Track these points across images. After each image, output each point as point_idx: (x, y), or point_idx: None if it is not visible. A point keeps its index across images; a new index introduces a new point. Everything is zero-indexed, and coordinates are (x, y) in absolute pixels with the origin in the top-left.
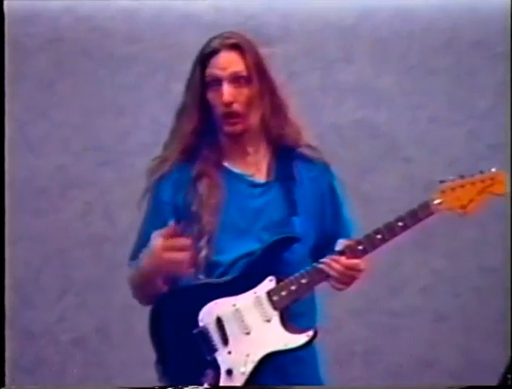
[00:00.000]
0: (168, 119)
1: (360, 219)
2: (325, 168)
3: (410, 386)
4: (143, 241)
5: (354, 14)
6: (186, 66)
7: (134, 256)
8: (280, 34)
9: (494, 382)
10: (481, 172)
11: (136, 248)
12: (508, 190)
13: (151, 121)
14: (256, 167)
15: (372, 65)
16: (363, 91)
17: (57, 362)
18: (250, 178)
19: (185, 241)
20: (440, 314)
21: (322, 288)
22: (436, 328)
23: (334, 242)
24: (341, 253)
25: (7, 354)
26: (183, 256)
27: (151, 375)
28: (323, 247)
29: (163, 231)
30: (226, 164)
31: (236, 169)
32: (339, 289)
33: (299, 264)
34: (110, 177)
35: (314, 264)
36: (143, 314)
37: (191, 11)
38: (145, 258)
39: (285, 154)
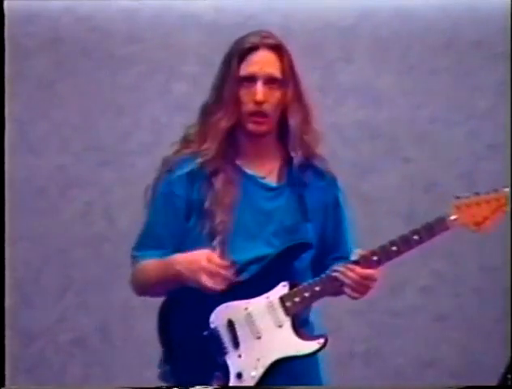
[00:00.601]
0: (168, 119)
1: (360, 219)
2: (333, 181)
3: (410, 386)
4: (151, 232)
5: (354, 14)
6: (186, 66)
7: (141, 247)
8: (280, 34)
9: (494, 382)
10: (496, 190)
11: (142, 239)
12: None
13: (151, 121)
14: (268, 170)
15: (372, 65)
16: (363, 91)
17: (57, 362)
18: (262, 181)
19: (228, 274)
20: (440, 314)
21: None
22: (436, 328)
23: (331, 254)
24: (355, 262)
25: (7, 354)
26: (219, 285)
27: (152, 375)
28: (322, 257)
29: (210, 253)
30: (239, 163)
31: (249, 170)
32: (354, 298)
33: (304, 271)
34: (110, 177)
35: (327, 272)
36: (143, 314)
37: (191, 11)
38: (176, 264)
39: (298, 160)
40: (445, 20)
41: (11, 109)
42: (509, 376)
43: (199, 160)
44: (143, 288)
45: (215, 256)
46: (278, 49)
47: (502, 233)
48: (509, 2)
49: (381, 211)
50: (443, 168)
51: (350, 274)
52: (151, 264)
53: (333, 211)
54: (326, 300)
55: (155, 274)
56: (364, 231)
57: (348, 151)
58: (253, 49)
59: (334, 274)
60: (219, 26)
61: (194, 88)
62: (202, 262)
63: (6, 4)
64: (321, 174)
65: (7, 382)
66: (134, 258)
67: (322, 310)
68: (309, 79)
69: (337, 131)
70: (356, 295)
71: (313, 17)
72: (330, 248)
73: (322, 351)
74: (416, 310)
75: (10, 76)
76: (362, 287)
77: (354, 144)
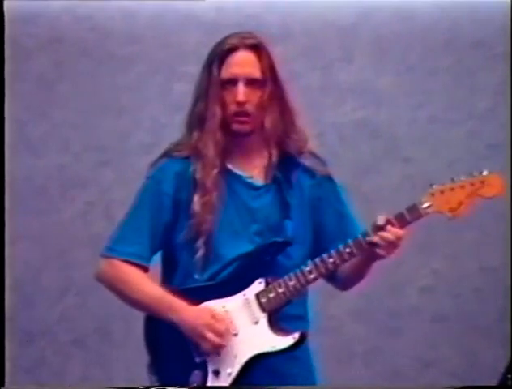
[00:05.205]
0: (168, 119)
1: (360, 219)
2: (325, 178)
3: (410, 386)
4: (132, 225)
5: (354, 14)
6: (186, 66)
7: (121, 240)
8: (280, 34)
9: (494, 382)
10: (472, 174)
11: (122, 232)
12: (502, 191)
13: (151, 121)
14: (256, 169)
15: (372, 65)
16: (363, 91)
17: (57, 362)
18: (249, 180)
19: (227, 331)
20: (440, 314)
21: (321, 289)
22: (436, 328)
23: (336, 243)
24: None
25: (7, 354)
26: (223, 342)
27: None
28: (324, 249)
29: (216, 313)
30: (228, 163)
31: (237, 170)
32: (383, 258)
33: (296, 269)
34: (110, 177)
35: (302, 267)
36: (143, 314)
37: (191, 11)
38: (180, 313)
39: (286, 160)
40: (445, 20)
41: (11, 109)
42: (509, 376)
43: (199, 162)
44: (120, 295)
45: (218, 313)
46: (257, 48)
47: (502, 234)
48: (509, 2)
49: (381, 211)
50: (443, 168)
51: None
52: (138, 282)
53: (331, 206)
54: (327, 300)
55: (142, 299)
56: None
57: (348, 151)
58: (233, 50)
59: (370, 238)
60: (219, 26)
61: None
62: (207, 319)
63: (6, 4)
64: (310, 173)
65: (7, 382)
66: (112, 251)
67: (322, 310)
68: (309, 79)
69: (337, 131)
70: (386, 255)
71: (313, 17)
72: (335, 240)
73: (322, 350)
74: (415, 310)
75: (10, 76)
76: (394, 247)
77: (354, 144)
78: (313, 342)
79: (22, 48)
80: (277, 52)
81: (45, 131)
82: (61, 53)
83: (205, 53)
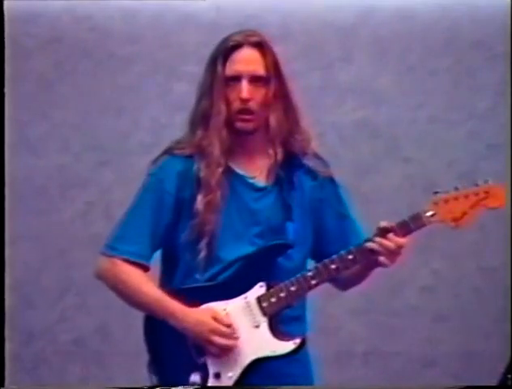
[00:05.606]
0: (168, 119)
1: (360, 219)
2: (327, 179)
3: (410, 386)
4: (133, 224)
5: (354, 14)
6: (186, 66)
7: (121, 239)
8: (280, 34)
9: (494, 382)
10: (476, 184)
11: (122, 231)
12: (503, 202)
13: (151, 121)
14: (259, 169)
15: (372, 65)
16: (363, 91)
17: (57, 362)
18: (251, 181)
19: (232, 331)
20: (440, 314)
21: (321, 289)
22: (436, 328)
23: (338, 244)
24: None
25: (7, 354)
26: (231, 342)
27: None
28: (325, 251)
29: (214, 312)
30: (230, 162)
31: (240, 170)
32: (386, 266)
33: (296, 270)
34: (110, 177)
35: (303, 272)
36: (143, 314)
37: (191, 11)
38: (181, 321)
39: (289, 160)
40: (445, 20)
41: (11, 109)
42: (509, 376)
43: (204, 161)
44: (120, 294)
45: (219, 314)
46: (261, 46)
47: (502, 234)
48: (509, 2)
49: (381, 211)
50: (443, 168)
51: (386, 243)
52: (138, 282)
53: (332, 208)
54: (327, 300)
55: (142, 300)
56: (364, 231)
57: (348, 151)
58: (237, 47)
59: (369, 245)
60: (219, 26)
61: (194, 88)
62: (209, 323)
63: (6, 4)
64: (312, 174)
65: (7, 382)
66: (112, 249)
67: (322, 310)
68: (309, 79)
69: (337, 131)
70: (388, 263)
71: (312, 17)
72: (336, 242)
73: (322, 350)
74: (415, 310)
75: (10, 76)
76: (395, 255)
77: (354, 144)
78: (312, 342)
79: (22, 48)
80: (277, 52)
81: (45, 131)
82: (61, 53)
83: (205, 53)
